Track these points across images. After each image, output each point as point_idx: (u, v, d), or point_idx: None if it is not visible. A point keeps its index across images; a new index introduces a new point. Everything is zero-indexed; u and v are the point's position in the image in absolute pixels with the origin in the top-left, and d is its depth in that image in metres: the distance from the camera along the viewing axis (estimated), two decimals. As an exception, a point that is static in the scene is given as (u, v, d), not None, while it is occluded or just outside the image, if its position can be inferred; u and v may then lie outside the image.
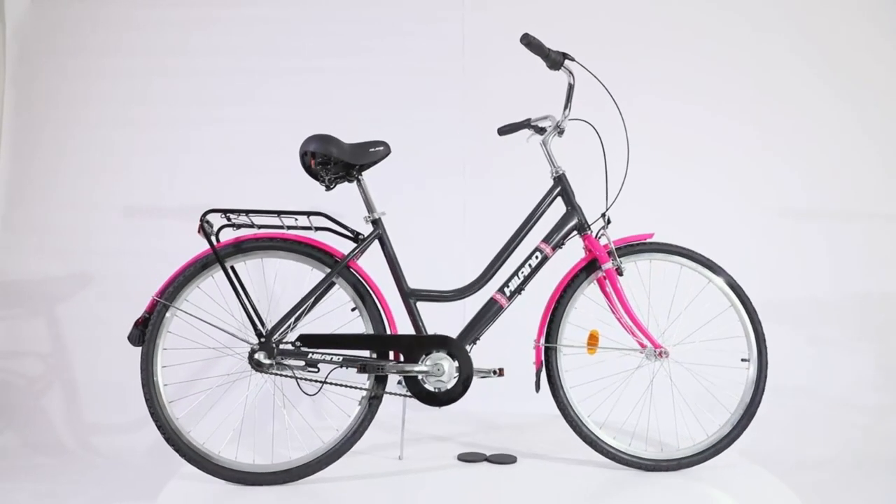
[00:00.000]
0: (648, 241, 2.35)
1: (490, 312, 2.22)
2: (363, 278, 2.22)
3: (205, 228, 2.19)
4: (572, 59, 2.27)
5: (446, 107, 3.66)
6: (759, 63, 3.64)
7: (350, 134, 3.80)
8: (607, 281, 2.28)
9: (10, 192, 3.72)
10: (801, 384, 3.52)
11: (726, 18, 3.66)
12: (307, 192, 3.67)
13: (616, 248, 2.29)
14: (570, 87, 2.29)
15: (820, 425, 3.48)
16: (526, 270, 2.25)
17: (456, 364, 2.14)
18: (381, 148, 2.24)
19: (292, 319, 2.16)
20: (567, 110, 2.31)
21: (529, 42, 2.24)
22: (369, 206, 2.27)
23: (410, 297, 2.21)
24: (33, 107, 3.73)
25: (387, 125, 3.66)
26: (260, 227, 2.26)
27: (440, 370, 2.12)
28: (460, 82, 3.67)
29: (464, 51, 3.66)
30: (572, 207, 2.34)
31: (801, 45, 3.64)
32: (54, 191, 3.71)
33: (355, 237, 2.25)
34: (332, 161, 2.22)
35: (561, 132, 2.34)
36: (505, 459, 2.32)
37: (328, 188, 2.30)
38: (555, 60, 2.25)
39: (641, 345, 2.29)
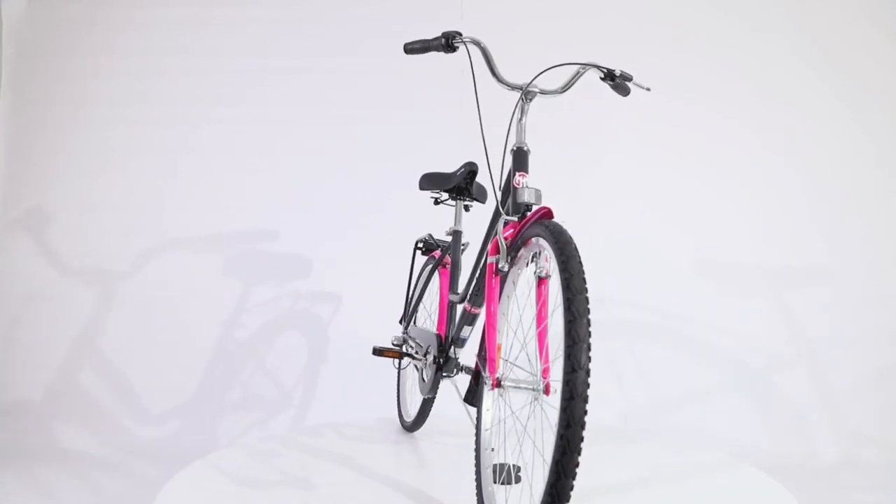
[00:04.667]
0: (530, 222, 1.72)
1: (463, 317, 2.16)
2: (440, 283, 2.50)
3: (416, 251, 2.69)
4: (459, 34, 2.01)
5: (445, 106, 3.65)
6: (758, 63, 3.63)
7: (350, 134, 3.82)
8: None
9: (7, 193, 3.71)
10: (800, 383, 3.51)
11: (726, 19, 3.65)
12: (306, 191, 3.68)
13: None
14: (483, 53, 2.00)
15: (820, 425, 3.47)
16: (478, 272, 2.06)
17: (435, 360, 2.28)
18: (462, 170, 2.39)
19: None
20: (498, 82, 2.00)
21: (412, 49, 2.06)
22: (455, 221, 2.48)
23: (451, 300, 2.35)
24: (31, 107, 3.71)
25: (386, 125, 3.65)
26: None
27: (426, 363, 2.31)
28: (459, 82, 3.66)
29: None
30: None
31: (800, 46, 3.62)
32: (51, 191, 3.70)
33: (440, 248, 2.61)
34: (436, 191, 2.53)
35: (524, 99, 1.95)
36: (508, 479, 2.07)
37: (466, 209, 2.52)
38: (446, 45, 2.01)
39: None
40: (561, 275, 1.49)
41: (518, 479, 2.10)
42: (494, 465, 2.18)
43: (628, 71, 2.01)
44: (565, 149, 3.56)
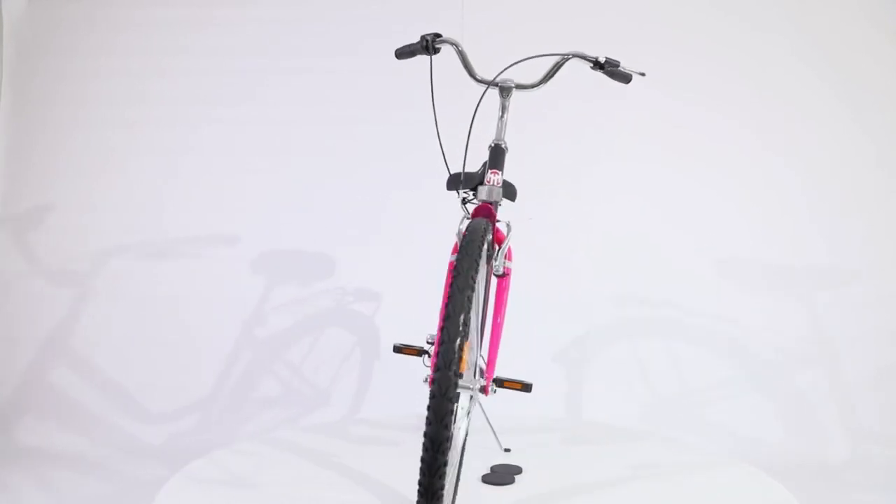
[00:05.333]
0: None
1: None
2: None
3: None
4: (437, 35, 2.13)
5: (446, 105, 3.63)
6: (758, 63, 3.62)
7: (350, 134, 3.80)
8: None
9: (6, 193, 3.70)
10: (804, 381, 3.50)
11: (726, 19, 3.63)
12: (306, 191, 3.68)
13: None
14: (459, 54, 2.10)
15: (822, 423, 3.46)
16: None
17: None
18: (480, 170, 2.29)
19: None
20: (474, 80, 2.06)
21: (401, 54, 2.18)
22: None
23: None
24: (31, 107, 3.70)
25: (385, 125, 3.64)
26: None
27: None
28: (458, 80, 3.65)
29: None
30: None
31: (801, 46, 3.61)
32: (51, 192, 3.69)
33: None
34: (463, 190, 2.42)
35: (502, 95, 2.01)
36: (506, 478, 2.12)
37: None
38: (428, 47, 2.12)
39: None
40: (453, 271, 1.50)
41: (512, 480, 2.12)
42: (494, 466, 2.19)
43: (616, 58, 2.00)
44: (563, 146, 3.56)
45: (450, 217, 3.72)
